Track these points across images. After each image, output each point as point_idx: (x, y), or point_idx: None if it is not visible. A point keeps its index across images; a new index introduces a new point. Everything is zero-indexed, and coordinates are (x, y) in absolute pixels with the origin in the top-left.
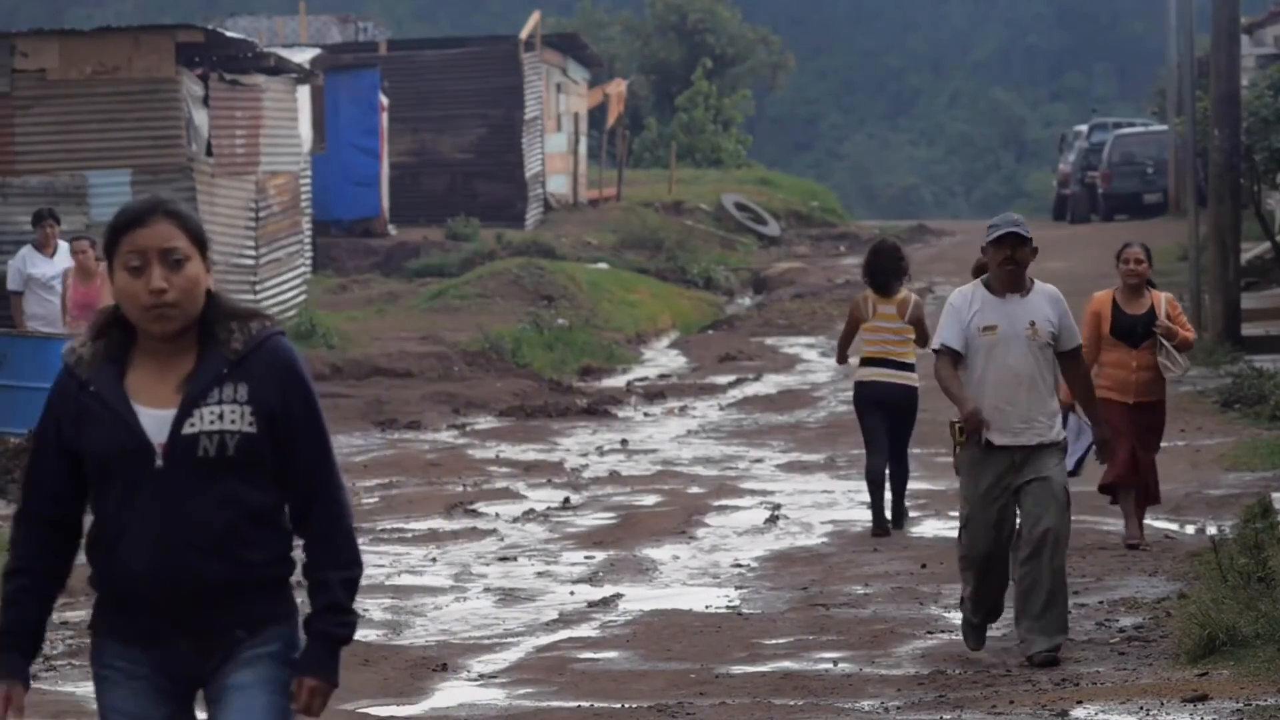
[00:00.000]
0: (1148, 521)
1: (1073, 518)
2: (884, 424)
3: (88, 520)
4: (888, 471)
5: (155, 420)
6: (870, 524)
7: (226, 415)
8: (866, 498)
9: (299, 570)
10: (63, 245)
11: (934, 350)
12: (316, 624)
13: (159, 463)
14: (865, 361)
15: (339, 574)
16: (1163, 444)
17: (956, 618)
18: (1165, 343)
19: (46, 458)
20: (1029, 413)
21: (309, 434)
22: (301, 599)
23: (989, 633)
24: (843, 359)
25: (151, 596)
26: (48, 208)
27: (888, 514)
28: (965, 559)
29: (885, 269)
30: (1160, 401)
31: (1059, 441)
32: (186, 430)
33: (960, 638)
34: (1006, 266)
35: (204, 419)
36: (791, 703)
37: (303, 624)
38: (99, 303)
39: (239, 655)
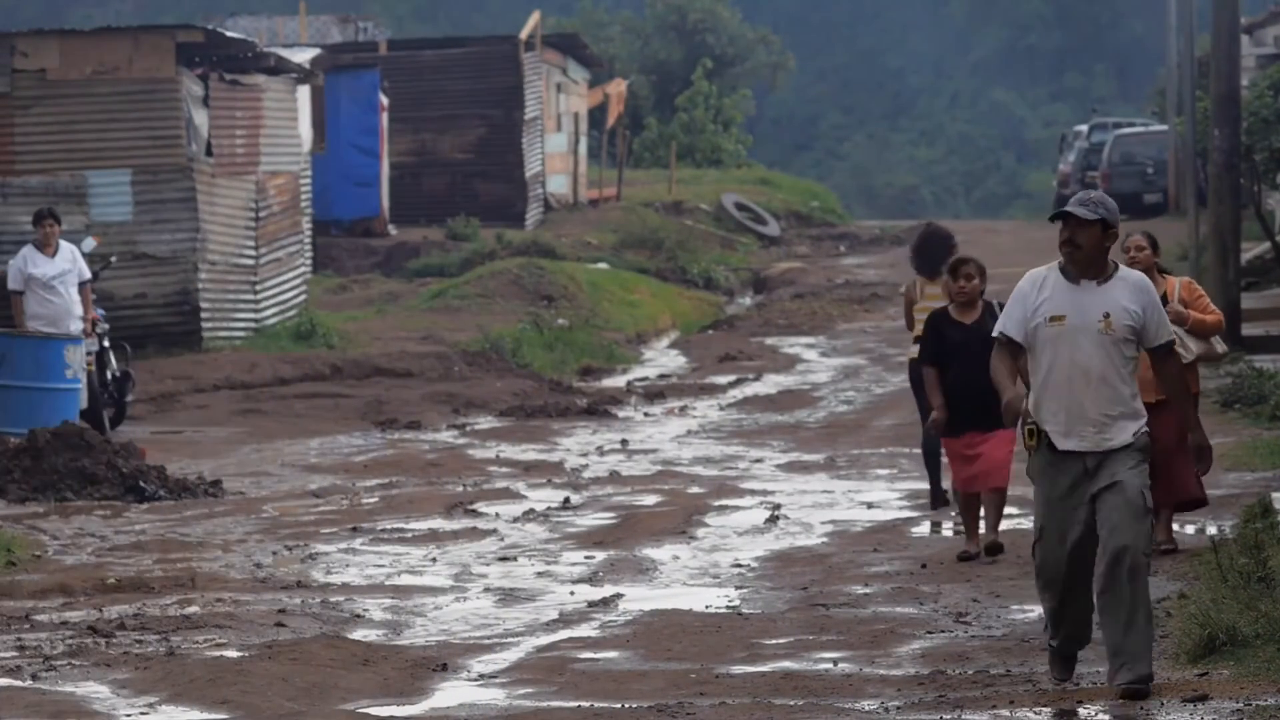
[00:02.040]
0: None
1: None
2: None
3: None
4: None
5: None
6: (928, 496)
7: None
8: (867, 497)
9: None
10: (64, 245)
11: (994, 337)
12: None
13: None
14: (917, 340)
15: None
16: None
17: (956, 617)
18: (1175, 328)
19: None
20: (1100, 415)
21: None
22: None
23: (988, 631)
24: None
25: None
26: (48, 207)
27: (945, 484)
28: (1039, 573)
29: (935, 254)
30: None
31: (1137, 442)
32: None
33: (959, 638)
34: (1065, 249)
35: None
36: (791, 703)
37: None
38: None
39: None
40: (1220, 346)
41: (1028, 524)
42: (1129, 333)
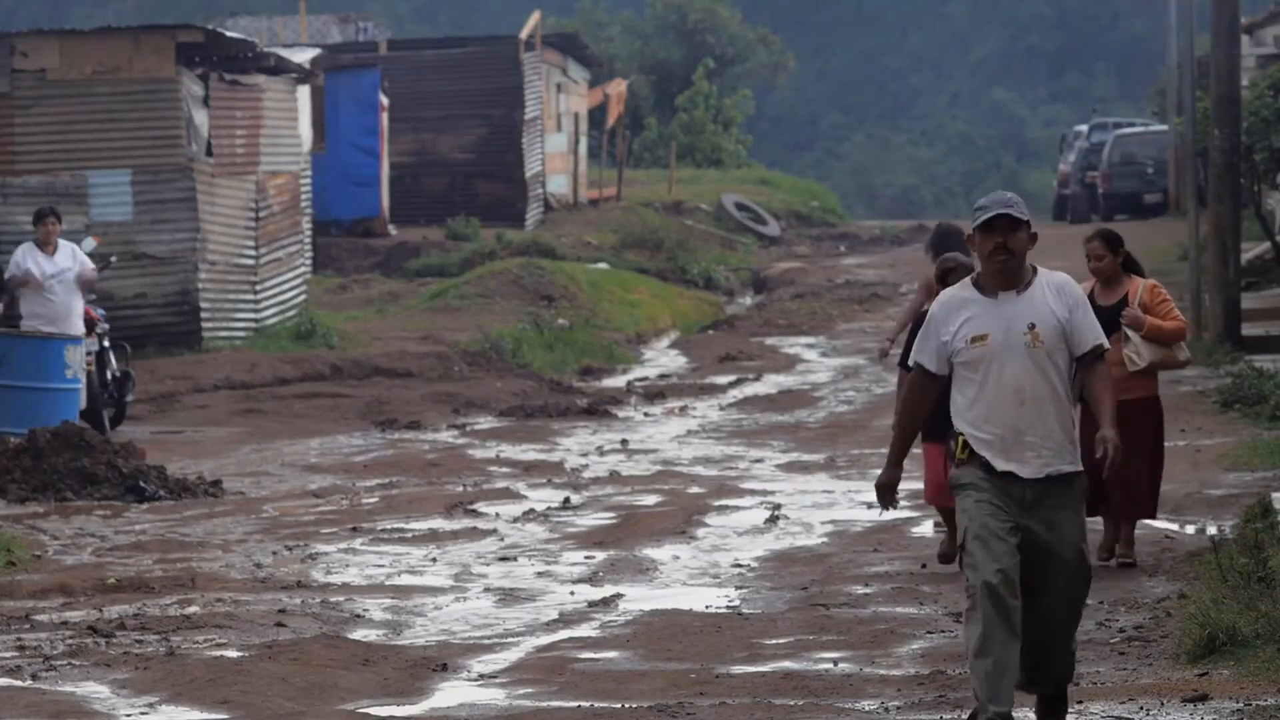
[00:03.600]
0: (1149, 521)
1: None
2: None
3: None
4: None
5: None
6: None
7: None
8: (867, 497)
9: None
10: (63, 244)
11: (907, 370)
12: None
13: None
14: None
15: None
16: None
17: (956, 617)
18: (1130, 333)
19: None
20: (1037, 438)
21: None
22: None
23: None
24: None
25: None
26: (50, 206)
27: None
28: (970, 588)
29: (951, 248)
30: (1147, 399)
31: (1078, 473)
32: None
33: (959, 638)
34: (998, 257)
35: None
36: (791, 703)
37: None
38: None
39: None
40: (1183, 354)
41: None
42: (1060, 340)
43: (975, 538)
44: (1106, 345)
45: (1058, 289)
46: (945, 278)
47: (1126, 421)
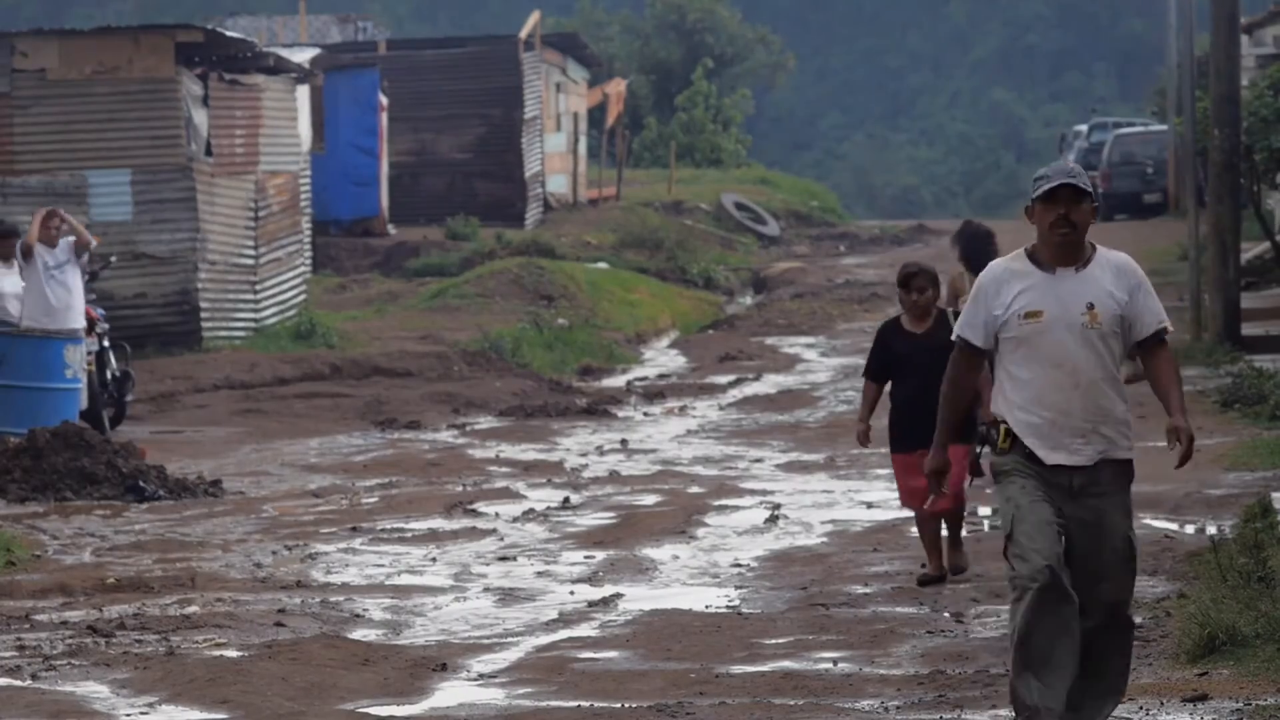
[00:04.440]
0: (1149, 521)
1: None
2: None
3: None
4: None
5: None
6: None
7: None
8: (867, 497)
9: None
10: (64, 240)
11: (953, 341)
12: None
13: None
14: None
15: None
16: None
17: (956, 617)
18: None
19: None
20: (1088, 423)
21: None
22: None
23: (988, 631)
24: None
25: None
26: (53, 210)
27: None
28: (1016, 584)
29: (984, 252)
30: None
31: (1128, 460)
32: None
33: (959, 638)
34: (1060, 229)
35: None
36: (791, 703)
37: None
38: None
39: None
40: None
41: None
42: (1117, 324)
43: (1022, 528)
44: (1170, 327)
45: (1118, 269)
46: (907, 282)
47: None
